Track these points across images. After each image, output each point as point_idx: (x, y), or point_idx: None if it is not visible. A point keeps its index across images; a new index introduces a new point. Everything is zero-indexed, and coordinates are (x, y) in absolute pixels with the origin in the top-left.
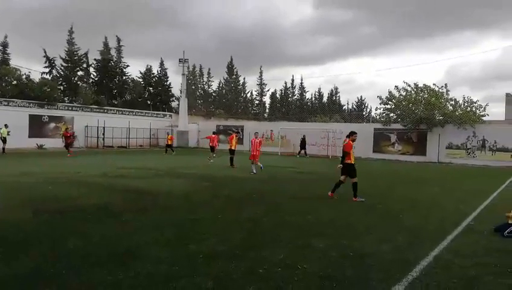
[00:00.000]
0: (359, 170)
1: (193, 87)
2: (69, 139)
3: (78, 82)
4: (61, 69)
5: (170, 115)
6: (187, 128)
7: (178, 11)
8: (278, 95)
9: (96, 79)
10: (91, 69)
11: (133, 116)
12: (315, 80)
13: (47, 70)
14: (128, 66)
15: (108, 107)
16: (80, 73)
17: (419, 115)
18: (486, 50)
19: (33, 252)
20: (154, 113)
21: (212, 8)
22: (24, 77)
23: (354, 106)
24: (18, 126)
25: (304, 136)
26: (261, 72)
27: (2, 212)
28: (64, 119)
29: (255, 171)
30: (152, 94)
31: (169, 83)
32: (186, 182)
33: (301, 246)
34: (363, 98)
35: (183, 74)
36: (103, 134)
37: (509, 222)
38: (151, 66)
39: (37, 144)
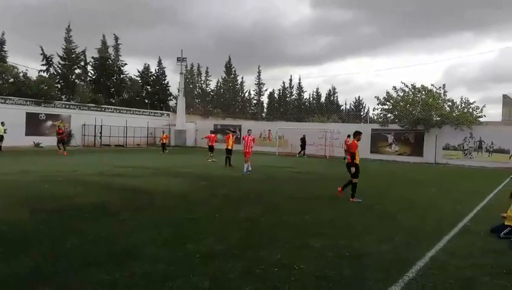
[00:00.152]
0: None
1: (191, 86)
2: (60, 135)
3: (76, 80)
4: (58, 67)
5: (168, 114)
6: (185, 127)
7: (178, 10)
8: (276, 95)
9: (93, 77)
10: (89, 67)
11: (131, 114)
12: (313, 80)
13: (44, 68)
14: (126, 64)
15: (105, 106)
16: (77, 71)
17: (417, 115)
18: (484, 51)
19: (33, 252)
20: (151, 112)
21: (212, 7)
22: (21, 74)
23: (352, 106)
24: (15, 124)
25: (304, 135)
26: (259, 72)
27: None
28: (61, 118)
29: (245, 171)
30: (150, 93)
31: (167, 82)
32: (184, 181)
33: (298, 246)
34: (361, 99)
35: (181, 73)
36: (100, 132)
37: (505, 223)
38: (149, 65)
39: (34, 142)
